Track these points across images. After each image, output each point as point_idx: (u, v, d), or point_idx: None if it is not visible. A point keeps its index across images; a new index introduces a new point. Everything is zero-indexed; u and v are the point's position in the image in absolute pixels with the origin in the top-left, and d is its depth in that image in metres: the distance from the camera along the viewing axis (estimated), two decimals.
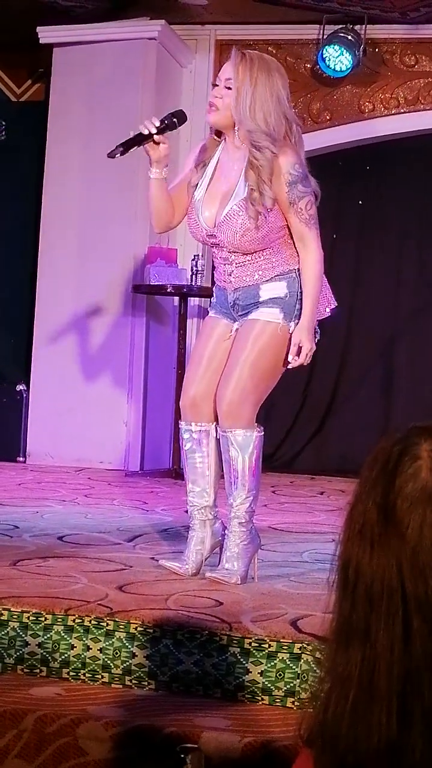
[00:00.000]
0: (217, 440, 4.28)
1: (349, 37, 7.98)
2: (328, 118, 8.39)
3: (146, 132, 4.24)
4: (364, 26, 8.01)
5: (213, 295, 4.50)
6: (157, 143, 4.25)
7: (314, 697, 1.50)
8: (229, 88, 4.20)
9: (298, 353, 4.15)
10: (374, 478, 1.48)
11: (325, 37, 8.05)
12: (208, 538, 4.30)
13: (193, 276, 7.79)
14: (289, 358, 4.17)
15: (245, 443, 4.18)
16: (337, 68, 8.04)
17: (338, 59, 8.01)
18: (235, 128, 4.21)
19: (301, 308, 4.20)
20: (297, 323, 4.19)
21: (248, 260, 4.23)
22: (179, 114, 4.36)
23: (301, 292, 4.21)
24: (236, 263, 4.25)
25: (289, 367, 4.21)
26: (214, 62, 8.30)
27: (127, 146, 4.26)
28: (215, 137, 4.36)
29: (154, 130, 4.23)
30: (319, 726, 1.47)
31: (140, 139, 4.25)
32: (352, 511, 1.49)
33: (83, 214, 8.17)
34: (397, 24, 8.12)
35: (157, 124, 4.25)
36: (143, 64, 8.08)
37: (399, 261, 8.59)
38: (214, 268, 4.45)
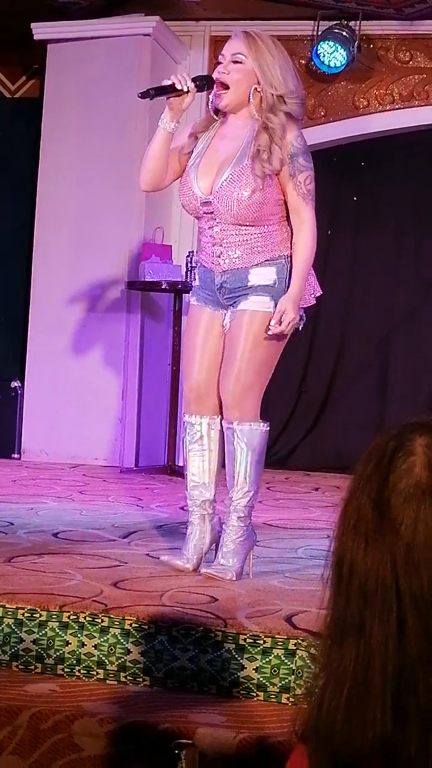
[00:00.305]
0: (220, 433, 4.27)
1: (344, 33, 7.98)
2: (322, 114, 8.39)
3: (180, 87, 4.19)
4: (358, 22, 8.01)
5: (195, 278, 4.43)
6: (185, 93, 4.20)
7: (309, 692, 1.50)
8: (237, 62, 4.19)
9: (280, 322, 4.11)
10: (369, 473, 1.48)
11: (319, 33, 8.05)
12: (207, 533, 4.29)
13: (188, 272, 7.78)
14: (271, 324, 4.11)
15: (251, 437, 4.17)
16: (332, 64, 8.04)
17: (333, 55, 8.01)
18: (250, 100, 4.19)
19: None
20: None
21: (239, 240, 4.18)
22: (210, 79, 4.31)
23: (289, 279, 4.18)
24: (226, 243, 4.20)
25: (269, 333, 4.13)
26: (208, 58, 8.30)
27: (159, 92, 4.23)
28: (213, 115, 4.32)
29: (186, 89, 4.19)
30: (313, 721, 1.47)
31: (172, 91, 4.21)
32: (347, 507, 1.49)
33: (78, 210, 8.16)
34: (391, 20, 8.12)
35: (191, 83, 4.21)
36: (138, 60, 8.07)
37: (395, 257, 8.59)
38: (199, 249, 4.39)
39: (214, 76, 4.28)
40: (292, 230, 4.22)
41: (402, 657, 1.41)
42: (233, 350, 4.18)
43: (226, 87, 4.22)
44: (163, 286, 7.78)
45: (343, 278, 8.62)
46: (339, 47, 7.97)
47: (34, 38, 8.23)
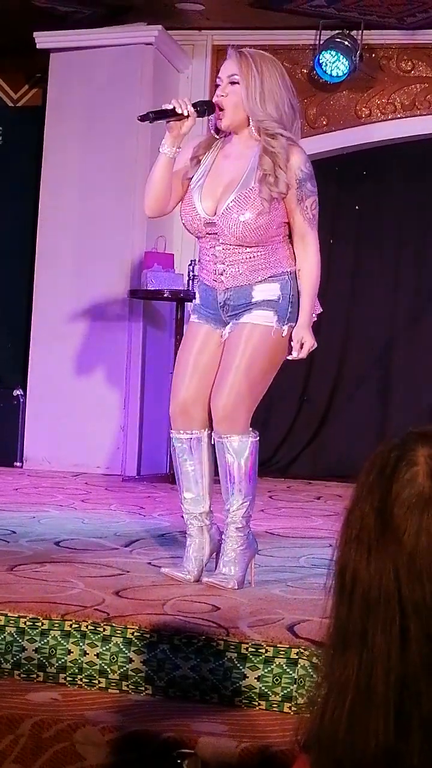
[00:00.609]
0: (210, 446, 4.27)
1: (346, 43, 7.99)
2: (324, 123, 8.40)
3: (180, 112, 4.20)
4: (360, 32, 8.02)
5: (196, 297, 4.43)
6: (185, 117, 4.21)
7: (311, 702, 1.50)
8: (234, 83, 4.21)
9: (300, 349, 4.16)
10: (371, 483, 1.48)
11: (321, 42, 8.06)
12: (207, 544, 4.28)
13: (190, 281, 7.79)
14: (293, 354, 4.17)
15: (241, 449, 4.17)
16: (334, 74, 8.06)
17: (335, 65, 8.02)
18: (250, 122, 4.21)
19: (293, 311, 4.18)
20: (290, 326, 4.17)
21: (242, 258, 4.19)
22: (210, 105, 4.33)
23: (293, 295, 4.19)
24: (229, 261, 4.20)
25: (289, 358, 4.21)
26: (211, 67, 8.31)
27: (158, 116, 4.25)
28: (214, 135, 4.34)
29: (186, 113, 4.20)
30: (316, 731, 1.47)
31: (171, 115, 4.22)
32: (349, 516, 1.49)
33: (80, 218, 8.17)
34: (393, 29, 8.13)
35: (191, 107, 4.22)
36: (140, 69, 8.08)
37: (396, 266, 8.59)
38: (200, 267, 4.40)
39: (214, 99, 4.30)
40: (292, 247, 4.25)
41: (405, 666, 1.41)
42: (229, 362, 4.18)
43: (222, 109, 4.24)
44: (165, 295, 7.79)
45: (345, 287, 8.63)
46: (341, 56, 7.98)
47: (37, 47, 8.25)
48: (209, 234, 4.23)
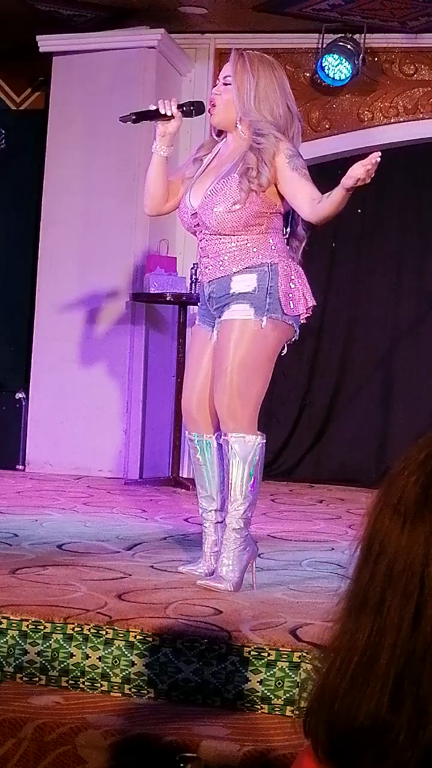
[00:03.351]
0: (220, 449, 4.30)
1: (349, 46, 7.99)
2: (327, 126, 8.40)
3: (163, 112, 4.29)
4: (363, 35, 8.02)
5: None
6: (170, 118, 4.29)
7: (321, 660, 1.51)
8: (227, 85, 4.29)
9: (366, 171, 4.05)
10: (423, 459, 1.48)
11: (324, 46, 8.06)
12: (220, 539, 4.31)
13: (193, 284, 7.80)
14: (363, 169, 4.05)
15: (246, 450, 4.18)
16: (337, 77, 8.06)
17: (337, 68, 8.02)
18: (237, 121, 4.28)
19: (272, 302, 4.19)
20: (269, 317, 4.19)
21: (222, 249, 4.24)
22: (198, 105, 4.41)
23: (272, 287, 4.21)
24: (212, 253, 4.28)
25: (359, 175, 4.06)
26: (213, 71, 8.31)
27: (141, 117, 4.31)
28: (215, 137, 4.44)
29: (170, 113, 4.29)
30: (318, 690, 1.48)
31: (155, 116, 4.29)
32: (390, 485, 1.49)
33: (82, 222, 8.18)
34: (396, 33, 8.14)
35: (175, 108, 4.30)
36: (143, 72, 8.09)
37: (398, 269, 8.59)
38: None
39: (209, 97, 4.39)
40: (276, 240, 4.27)
41: (413, 643, 1.42)
42: (222, 363, 4.22)
43: (215, 106, 4.34)
44: (168, 298, 7.79)
45: (347, 290, 8.63)
46: (344, 60, 7.98)
47: (40, 50, 8.26)
48: (196, 227, 4.33)
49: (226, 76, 4.31)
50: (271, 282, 4.21)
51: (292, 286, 4.25)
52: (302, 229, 4.37)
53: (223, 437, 4.24)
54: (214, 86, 4.42)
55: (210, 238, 4.28)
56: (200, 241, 4.34)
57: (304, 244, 4.39)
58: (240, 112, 4.25)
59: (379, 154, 3.97)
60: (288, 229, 4.34)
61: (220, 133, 4.41)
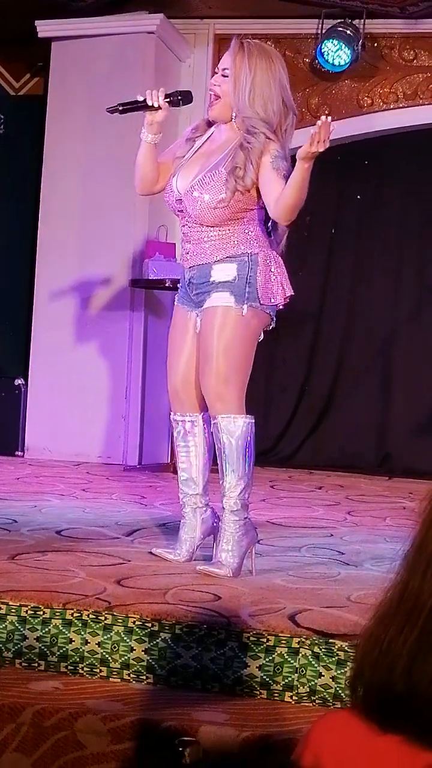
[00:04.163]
0: (207, 430, 4.36)
1: (348, 32, 7.97)
2: (326, 112, 8.35)
3: (151, 104, 4.33)
4: (362, 21, 8.00)
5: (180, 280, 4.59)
6: (158, 108, 4.32)
7: (378, 621, 1.53)
8: (226, 76, 4.29)
9: (311, 137, 3.90)
10: None
11: (323, 31, 8.04)
12: (198, 525, 4.39)
13: None
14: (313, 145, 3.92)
15: (234, 429, 4.22)
16: (336, 63, 8.04)
17: (337, 54, 8.00)
18: (233, 114, 4.29)
19: (251, 291, 4.23)
20: (250, 305, 4.23)
21: (204, 237, 4.30)
22: (186, 95, 4.43)
23: (251, 276, 4.25)
24: (193, 240, 4.33)
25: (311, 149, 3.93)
26: (212, 56, 8.29)
27: (128, 108, 4.34)
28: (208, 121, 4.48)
29: (157, 105, 4.32)
30: (377, 652, 1.51)
31: (142, 107, 4.31)
32: None
33: (81, 208, 8.16)
34: (396, 18, 8.11)
35: (162, 98, 4.33)
36: (142, 58, 8.07)
37: (398, 257, 8.58)
38: None
39: (209, 87, 4.40)
40: (257, 231, 4.30)
41: None
42: (207, 348, 4.27)
43: (219, 97, 4.34)
44: (167, 284, 7.77)
45: (347, 278, 8.62)
46: (343, 46, 7.96)
47: (39, 36, 8.23)
48: (180, 212, 4.39)
49: (224, 68, 4.31)
50: (250, 272, 4.27)
51: (272, 276, 4.29)
52: None
53: (212, 421, 4.28)
54: (214, 73, 4.41)
55: (192, 225, 4.33)
56: (183, 226, 4.41)
57: (285, 235, 4.38)
58: (233, 105, 4.28)
59: (328, 118, 3.90)
60: (271, 222, 4.35)
61: (211, 123, 4.45)
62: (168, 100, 4.37)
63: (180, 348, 4.44)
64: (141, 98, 4.33)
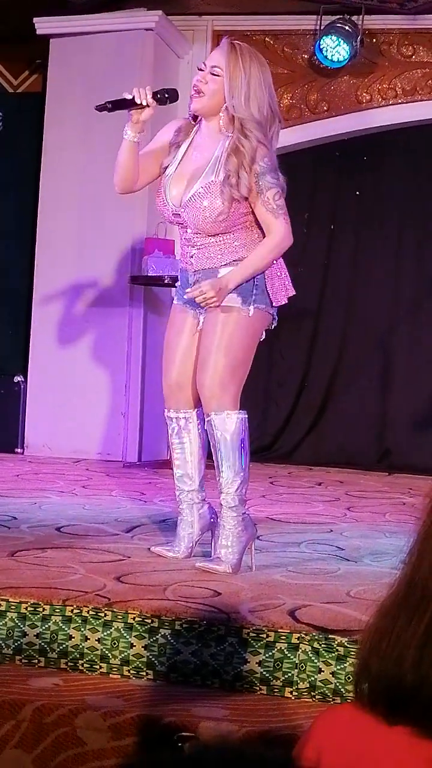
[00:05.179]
0: (202, 427, 4.37)
1: (347, 28, 7.97)
2: (325, 108, 8.38)
3: (139, 101, 4.31)
4: (361, 17, 8.00)
5: (178, 279, 4.58)
6: (146, 106, 4.32)
7: (381, 614, 1.54)
8: (215, 75, 4.28)
9: (200, 290, 4.19)
10: None
11: (322, 27, 8.04)
12: (196, 521, 4.40)
13: None
14: (188, 290, 4.26)
15: (228, 425, 4.23)
16: (335, 59, 8.03)
17: (336, 50, 8.00)
18: (220, 114, 4.28)
19: (258, 293, 4.27)
20: (256, 308, 4.26)
21: (209, 243, 4.31)
22: (172, 93, 4.43)
23: (258, 278, 4.27)
24: (198, 245, 4.34)
25: (185, 296, 4.29)
26: (210, 53, 8.27)
27: (116, 106, 4.35)
28: (191, 121, 4.45)
29: (145, 103, 4.32)
30: (385, 642, 1.53)
31: (131, 105, 4.31)
32: None
33: (80, 205, 8.16)
34: (394, 14, 8.11)
35: (150, 96, 4.33)
36: (140, 54, 8.07)
37: (397, 252, 8.58)
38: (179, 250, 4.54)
39: (193, 81, 4.38)
40: (260, 233, 4.32)
41: None
42: (208, 346, 4.28)
43: (201, 93, 4.32)
44: (166, 281, 7.78)
45: (346, 273, 8.62)
46: (342, 42, 7.96)
47: (37, 33, 8.24)
48: (178, 222, 4.40)
49: (214, 66, 4.30)
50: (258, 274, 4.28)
51: (277, 277, 4.33)
52: None
53: (206, 419, 4.29)
54: (199, 69, 4.38)
55: (195, 232, 4.33)
56: (184, 230, 4.41)
57: None
58: (229, 106, 4.26)
59: (202, 290, 4.18)
60: None
61: (195, 117, 4.43)
62: (156, 98, 4.36)
63: (176, 346, 4.45)
64: (129, 96, 4.33)
